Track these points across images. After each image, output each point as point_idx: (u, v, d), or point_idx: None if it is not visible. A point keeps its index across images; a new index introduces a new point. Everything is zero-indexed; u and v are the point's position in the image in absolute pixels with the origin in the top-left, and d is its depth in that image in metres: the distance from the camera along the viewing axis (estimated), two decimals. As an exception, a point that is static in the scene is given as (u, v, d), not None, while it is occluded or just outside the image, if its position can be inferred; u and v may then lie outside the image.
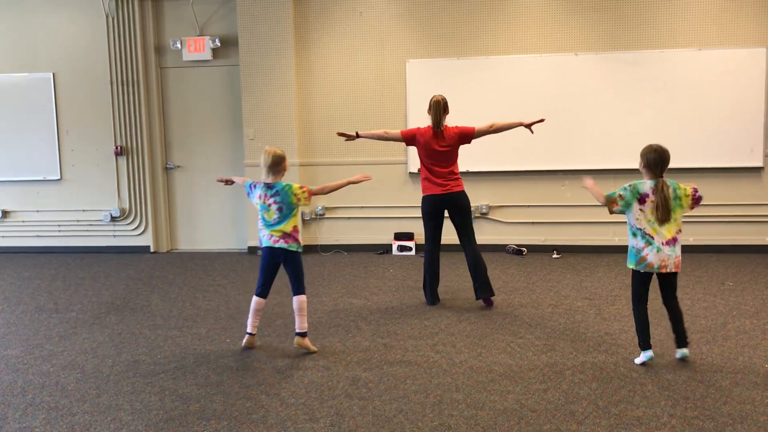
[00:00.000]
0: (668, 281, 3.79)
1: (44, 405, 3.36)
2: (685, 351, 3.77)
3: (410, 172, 7.53)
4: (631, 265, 3.79)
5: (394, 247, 7.53)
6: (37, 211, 8.15)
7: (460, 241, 5.14)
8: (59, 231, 8.14)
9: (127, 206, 8.03)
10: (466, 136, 5.06)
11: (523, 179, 7.43)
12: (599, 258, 6.98)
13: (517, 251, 7.33)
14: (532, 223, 7.48)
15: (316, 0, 7.54)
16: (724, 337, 4.24)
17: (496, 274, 6.22)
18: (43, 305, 5.49)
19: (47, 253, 8.05)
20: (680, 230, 3.72)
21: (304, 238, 7.46)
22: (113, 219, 8.05)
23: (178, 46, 7.69)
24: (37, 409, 3.32)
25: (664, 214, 3.67)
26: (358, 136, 5.11)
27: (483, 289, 5.05)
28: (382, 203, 7.65)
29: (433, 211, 5.10)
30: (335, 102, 7.62)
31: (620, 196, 3.74)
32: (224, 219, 8.07)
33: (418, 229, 7.40)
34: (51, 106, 7.98)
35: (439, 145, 5.01)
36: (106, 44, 7.82)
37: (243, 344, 4.21)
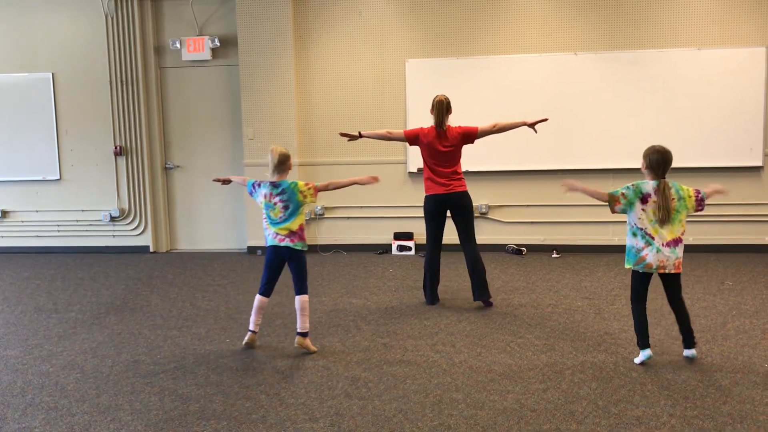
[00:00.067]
0: (671, 282, 3.78)
1: (44, 405, 3.36)
2: (692, 352, 3.78)
3: (410, 172, 7.53)
4: (628, 265, 3.79)
5: (394, 247, 7.53)
6: (37, 211, 8.15)
7: (461, 241, 5.12)
8: (58, 231, 8.14)
9: (126, 206, 8.03)
10: (469, 136, 5.03)
11: (522, 179, 7.43)
12: (599, 258, 6.98)
13: (517, 251, 7.33)
14: (532, 222, 7.49)
15: (316, 0, 7.55)
16: (724, 336, 4.24)
17: (495, 273, 6.22)
18: (42, 305, 5.48)
19: (46, 253, 8.05)
20: (684, 232, 3.72)
21: (303, 238, 7.45)
22: (112, 219, 8.05)
23: (178, 45, 7.68)
24: (37, 409, 3.32)
25: (665, 215, 3.67)
26: (361, 136, 5.11)
27: (480, 291, 5.04)
28: (381, 203, 7.65)
29: (435, 210, 5.08)
30: (335, 102, 7.61)
31: (623, 194, 3.73)
32: (224, 219, 8.07)
33: (418, 229, 7.42)
34: (50, 106, 7.98)
35: (442, 145, 5.00)
36: (106, 44, 7.82)
37: (244, 341, 4.21)
